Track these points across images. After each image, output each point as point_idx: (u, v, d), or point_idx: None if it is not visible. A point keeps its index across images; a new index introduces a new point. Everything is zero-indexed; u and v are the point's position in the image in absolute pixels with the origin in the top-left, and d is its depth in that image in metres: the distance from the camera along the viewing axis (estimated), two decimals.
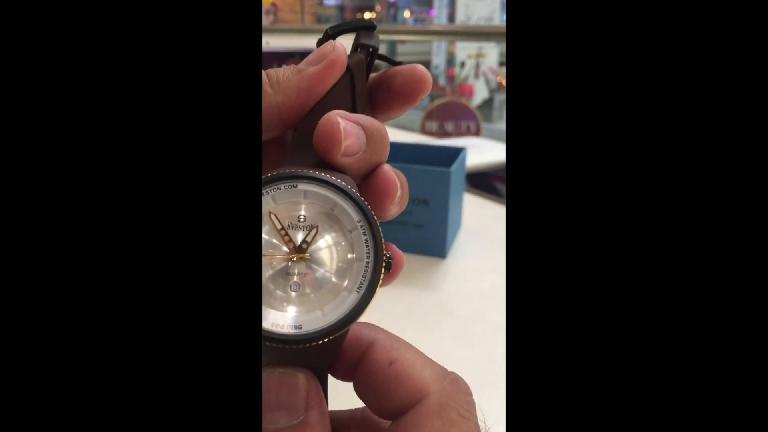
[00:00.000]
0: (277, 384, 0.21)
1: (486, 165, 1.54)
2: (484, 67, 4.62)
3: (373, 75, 0.24)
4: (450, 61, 4.88)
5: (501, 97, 4.59)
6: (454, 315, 0.69)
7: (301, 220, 0.22)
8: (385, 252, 0.22)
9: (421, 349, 0.23)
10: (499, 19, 4.50)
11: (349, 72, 0.22)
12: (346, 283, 0.22)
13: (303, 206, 0.22)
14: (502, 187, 1.61)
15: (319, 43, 0.24)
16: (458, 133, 2.67)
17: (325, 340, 0.21)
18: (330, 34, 0.24)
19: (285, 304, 0.22)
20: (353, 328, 0.22)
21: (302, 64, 0.22)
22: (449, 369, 0.23)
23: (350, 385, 0.24)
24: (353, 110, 0.23)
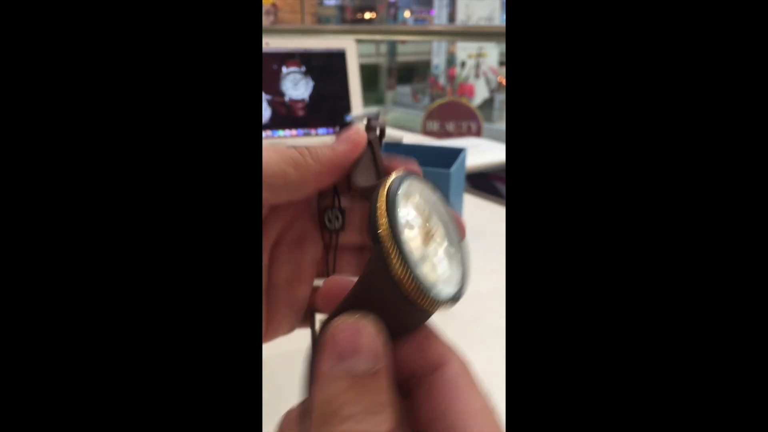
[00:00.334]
0: (353, 329, 0.20)
1: (486, 165, 1.54)
2: (484, 67, 4.63)
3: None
4: (450, 61, 4.89)
5: (501, 97, 4.59)
6: (454, 316, 0.69)
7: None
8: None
9: None
10: (499, 19, 4.50)
11: (370, 145, 0.29)
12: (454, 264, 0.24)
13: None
14: (502, 187, 1.61)
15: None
16: (459, 133, 2.67)
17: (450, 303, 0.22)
18: (349, 122, 0.28)
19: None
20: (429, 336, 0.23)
21: (334, 144, 0.27)
22: None
23: None
24: (376, 169, 0.28)
